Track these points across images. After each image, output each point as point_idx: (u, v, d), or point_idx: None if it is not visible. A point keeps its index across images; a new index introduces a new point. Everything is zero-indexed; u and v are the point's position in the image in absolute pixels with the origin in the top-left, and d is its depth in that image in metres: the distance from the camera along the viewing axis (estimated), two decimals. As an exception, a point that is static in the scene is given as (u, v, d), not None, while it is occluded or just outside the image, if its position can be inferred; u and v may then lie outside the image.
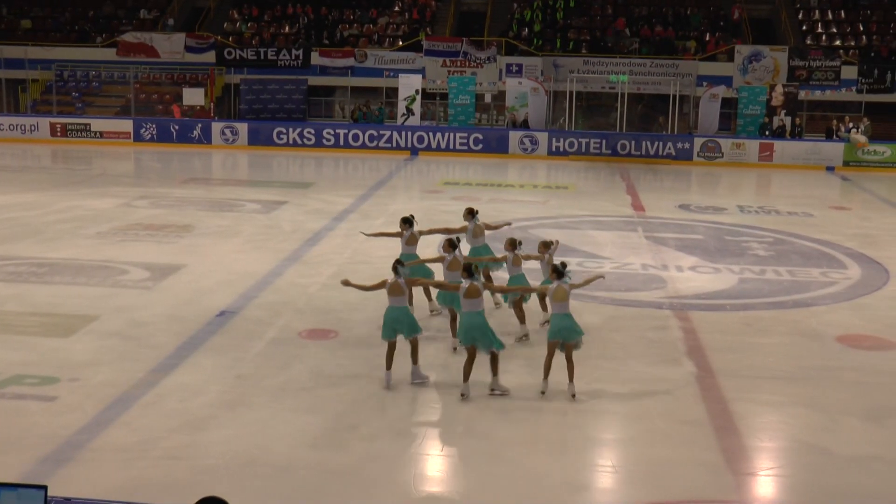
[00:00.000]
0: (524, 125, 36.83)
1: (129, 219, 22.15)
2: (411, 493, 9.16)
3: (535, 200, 26.62)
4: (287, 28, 41.71)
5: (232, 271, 17.44)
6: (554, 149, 35.68)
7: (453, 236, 14.34)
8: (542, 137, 35.86)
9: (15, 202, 24.10)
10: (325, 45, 40.53)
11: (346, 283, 12.29)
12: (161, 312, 14.75)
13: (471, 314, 11.43)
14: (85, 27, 42.60)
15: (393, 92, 38.15)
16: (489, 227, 15.68)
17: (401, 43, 40.62)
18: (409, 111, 37.18)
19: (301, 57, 39.24)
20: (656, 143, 35.52)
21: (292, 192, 26.59)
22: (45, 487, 5.75)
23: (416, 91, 37.13)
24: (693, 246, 20.71)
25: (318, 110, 40.13)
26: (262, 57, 39.40)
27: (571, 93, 36.94)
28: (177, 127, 36.70)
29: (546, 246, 14.25)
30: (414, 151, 35.91)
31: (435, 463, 10.02)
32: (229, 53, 39.62)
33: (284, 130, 36.45)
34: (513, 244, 13.98)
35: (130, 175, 32.08)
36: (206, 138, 36.38)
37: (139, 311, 14.82)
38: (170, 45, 40.05)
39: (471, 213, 15.35)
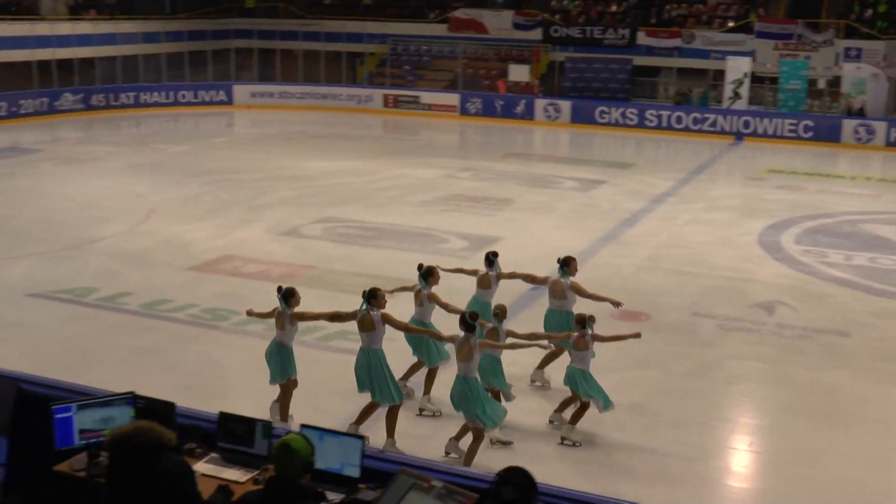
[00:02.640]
0: (860, 113, 34.60)
1: (451, 189, 23.04)
2: (712, 485, 9.01)
3: (866, 194, 24.98)
4: (614, 7, 41.53)
5: (547, 246, 17.71)
6: (893, 140, 33.28)
7: (534, 285, 11.92)
8: (880, 127, 33.53)
9: (348, 168, 25.73)
10: (651, 24, 39.98)
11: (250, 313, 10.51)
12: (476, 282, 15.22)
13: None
14: (419, 3, 44.53)
15: (719, 74, 37.05)
16: (583, 293, 11.30)
17: (731, 24, 39.32)
18: (736, 95, 35.97)
19: (627, 36, 38.95)
20: None
21: (611, 172, 26.56)
22: (363, 438, 6.18)
23: (745, 74, 35.85)
24: None
25: (641, 90, 39.70)
26: (588, 35, 39.48)
27: (918, 80, 34.28)
28: (501, 102, 37.62)
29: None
30: (738, 136, 34.74)
31: (740, 458, 9.78)
32: (555, 31, 40.02)
33: (607, 109, 36.41)
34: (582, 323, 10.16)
35: (455, 147, 33.28)
36: (529, 114, 37.04)
37: (456, 279, 15.37)
38: (498, 22, 41.04)
39: (561, 264, 11.50)
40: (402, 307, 10.78)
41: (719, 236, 19.11)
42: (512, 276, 11.78)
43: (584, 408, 9.81)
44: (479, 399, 9.00)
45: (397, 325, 9.59)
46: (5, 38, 33.85)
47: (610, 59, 38.68)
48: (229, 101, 39.15)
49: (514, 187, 23.70)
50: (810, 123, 34.33)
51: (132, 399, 6.45)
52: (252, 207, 20.52)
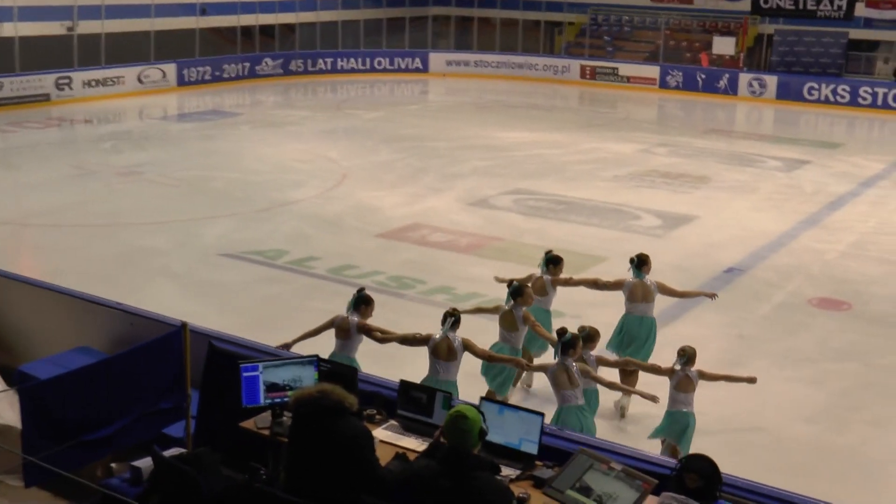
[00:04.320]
0: None
1: (646, 165, 22.66)
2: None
3: None
4: (832, -24, 39.69)
5: (745, 228, 17.21)
6: None
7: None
8: None
9: (542, 140, 25.67)
10: (873, -6, 38.04)
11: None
12: (668, 261, 14.96)
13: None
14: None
15: (946, 49, 34.89)
16: (673, 293, 10.47)
17: (963, -6, 36.91)
18: (964, 72, 33.79)
19: (844, 7, 37.10)
20: None
21: (818, 152, 25.47)
22: (542, 414, 6.18)
23: (975, 49, 33.65)
24: None
25: (856, 66, 37.81)
26: (801, 6, 37.81)
27: None
28: (703, 76, 36.63)
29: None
30: (964, 117, 32.65)
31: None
32: (766, 2, 38.53)
33: (816, 86, 34.88)
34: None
35: (653, 121, 32.68)
36: (732, 89, 35.93)
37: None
38: (707, -8, 39.96)
39: (635, 263, 10.34)
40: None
41: (936, 225, 18.07)
42: (569, 282, 10.46)
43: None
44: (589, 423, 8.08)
45: (479, 354, 8.40)
46: (213, 4, 35.41)
47: (823, 31, 36.98)
48: (424, 69, 39.71)
49: (712, 165, 23.09)
50: None
51: (316, 362, 6.67)
52: (443, 176, 20.78)
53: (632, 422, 9.56)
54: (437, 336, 8.25)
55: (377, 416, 6.53)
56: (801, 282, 14.40)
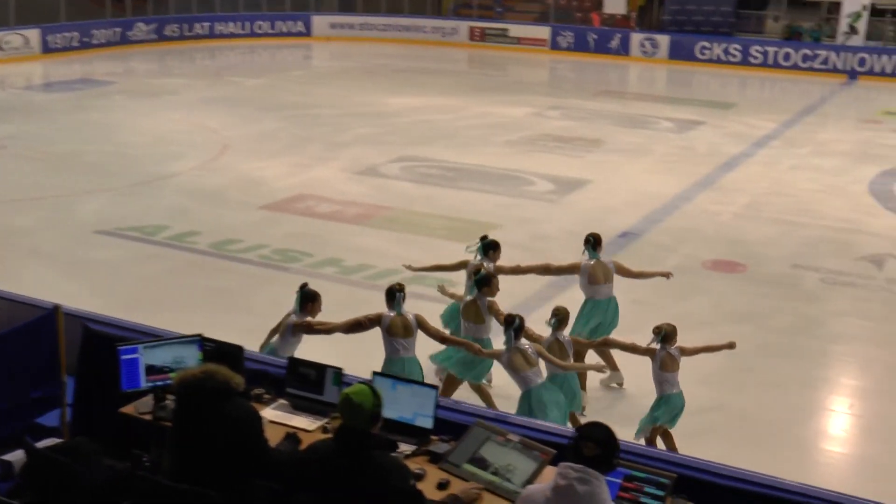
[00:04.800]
0: None
1: (538, 129, 22.89)
2: (808, 449, 8.90)
3: None
4: (722, -67, 40.51)
5: (639, 192, 17.55)
6: None
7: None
8: None
9: (431, 105, 25.69)
10: (762, -48, 38.97)
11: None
12: (562, 227, 15.19)
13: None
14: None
15: (834, 7, 35.97)
16: (629, 273, 10.14)
17: (850, -49, 38.08)
18: (852, 29, 34.91)
19: (734, -35, 38.04)
20: None
21: (711, 113, 26.08)
22: (436, 388, 6.24)
23: (863, 7, 34.75)
24: None
25: (747, 25, 38.74)
26: (692, -36, 38.63)
27: None
28: (595, 36, 37.10)
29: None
30: (852, 75, 33.76)
31: (840, 421, 9.63)
32: (657, -40, 39.25)
33: (709, 45, 35.66)
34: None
35: (544, 84, 32.99)
36: (624, 49, 36.48)
37: (541, 224, 15.39)
38: (595, -50, 40.38)
39: (591, 243, 9.97)
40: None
41: (827, 183, 18.69)
42: (517, 270, 9.94)
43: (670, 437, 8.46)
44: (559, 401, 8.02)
45: (432, 332, 8.23)
46: (78, -35, 34.41)
47: (714, -10, 37.78)
48: (308, 33, 39.31)
49: (606, 127, 23.44)
50: (934, 61, 33.19)
51: (200, 342, 6.59)
52: (329, 145, 20.65)
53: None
54: (390, 314, 8.12)
55: (265, 396, 6.48)
56: (695, 245, 14.75)
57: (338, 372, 6.45)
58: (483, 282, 8.83)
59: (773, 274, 13.49)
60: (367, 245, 13.97)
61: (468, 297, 8.94)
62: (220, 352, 6.37)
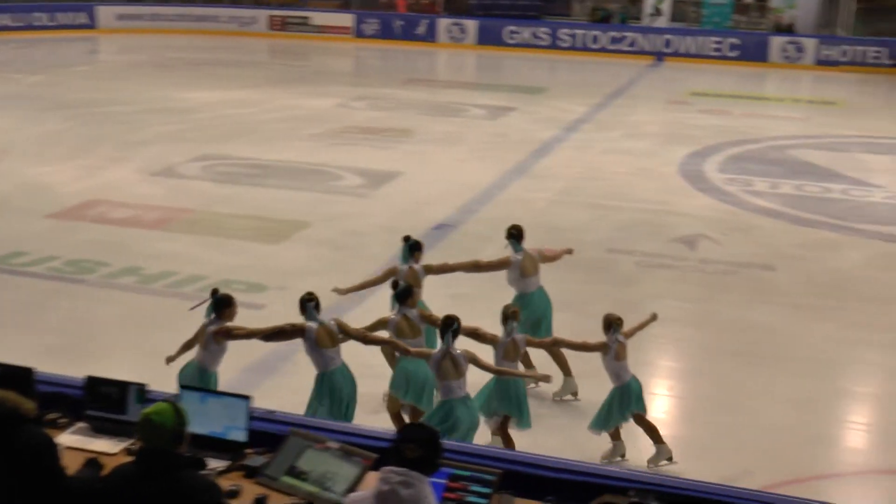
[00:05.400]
0: (789, 30, 35.26)
1: (345, 121, 22.87)
2: (629, 434, 9.18)
3: (795, 117, 25.63)
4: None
5: (453, 181, 17.77)
6: (822, 58, 34.04)
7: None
8: (810, 44, 34.26)
9: (231, 99, 25.32)
10: (565, -67, 40.04)
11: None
12: (375, 222, 15.24)
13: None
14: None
15: (639, -12, 37.37)
16: (549, 258, 10.48)
17: (651, -68, 39.58)
18: (657, 11, 36.32)
19: (537, -53, 38.95)
20: (949, 54, 33.26)
21: (522, 98, 26.65)
22: (248, 398, 6.15)
23: (666, -13, 36.21)
24: None
25: (554, 8, 39.80)
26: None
27: (849, -8, 35.09)
28: (401, 22, 37.33)
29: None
30: (659, 56, 35.13)
31: (660, 404, 10.00)
32: (460, -58, 39.79)
33: (517, 29, 36.41)
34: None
35: (349, 73, 33.00)
36: (431, 36, 36.84)
37: (353, 220, 15.40)
38: (396, -67, 40.63)
39: (515, 237, 10.22)
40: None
41: (638, 166, 19.39)
42: (445, 269, 9.98)
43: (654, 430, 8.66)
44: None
45: (354, 334, 8.09)
46: None
47: (519, -28, 38.60)
48: (92, 25, 38.08)
49: (415, 117, 23.63)
50: (736, 41, 34.89)
51: (-17, 366, 6.30)
52: (121, 145, 20.08)
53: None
54: (313, 325, 7.87)
55: (61, 420, 6.25)
56: (512, 234, 15.02)
57: (141, 389, 6.28)
58: (405, 294, 8.61)
59: (590, 259, 13.87)
60: (168, 251, 13.66)
61: (395, 316, 8.57)
62: (7, 376, 6.10)
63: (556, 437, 8.88)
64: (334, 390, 7.89)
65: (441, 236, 14.72)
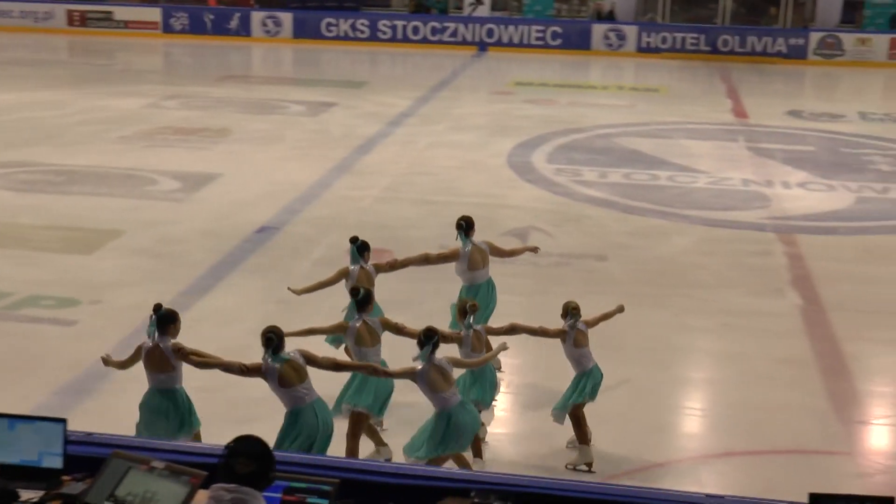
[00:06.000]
0: (610, 17, 36.26)
1: (157, 121, 22.40)
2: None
3: (620, 104, 26.36)
4: None
5: (274, 182, 17.61)
6: (644, 45, 35.12)
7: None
8: (631, 32, 35.29)
9: (29, 101, 24.45)
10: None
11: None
12: (194, 227, 14.98)
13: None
14: None
15: (459, -23, 37.78)
16: (501, 253, 10.88)
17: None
18: (478, 0, 36.80)
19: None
20: (764, 39, 34.75)
21: (343, 93, 26.60)
22: (63, 421, 5.95)
23: (486, -24, 36.74)
24: (803, 159, 20.42)
25: (372, -1, 39.93)
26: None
27: (666, -22, 36.30)
28: (212, 16, 36.75)
29: None
30: (482, 47, 35.59)
31: (498, 399, 10.12)
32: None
33: (335, 21, 36.30)
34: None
35: (159, 71, 32.33)
36: (245, 30, 36.40)
37: (169, 226, 15.09)
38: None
39: (464, 228, 10.57)
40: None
41: (466, 159, 19.61)
42: (395, 265, 10.34)
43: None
44: None
45: (322, 364, 7.88)
46: None
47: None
48: None
49: (232, 115, 23.33)
50: (558, 30, 35.62)
51: None
52: None
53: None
54: (275, 364, 7.53)
55: None
56: (339, 233, 14.92)
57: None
58: (367, 300, 8.61)
59: (421, 257, 13.95)
60: (-34, 268, 13.10)
61: (356, 322, 8.55)
62: None
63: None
64: (304, 428, 7.60)
65: (264, 239, 14.59)
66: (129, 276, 12.99)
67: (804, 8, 37.32)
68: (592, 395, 8.90)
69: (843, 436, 9.59)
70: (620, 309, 9.40)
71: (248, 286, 12.74)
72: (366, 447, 8.57)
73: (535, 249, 11.00)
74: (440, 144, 20.92)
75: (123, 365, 8.11)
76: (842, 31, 34.81)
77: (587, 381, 8.85)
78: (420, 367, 7.86)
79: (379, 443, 8.74)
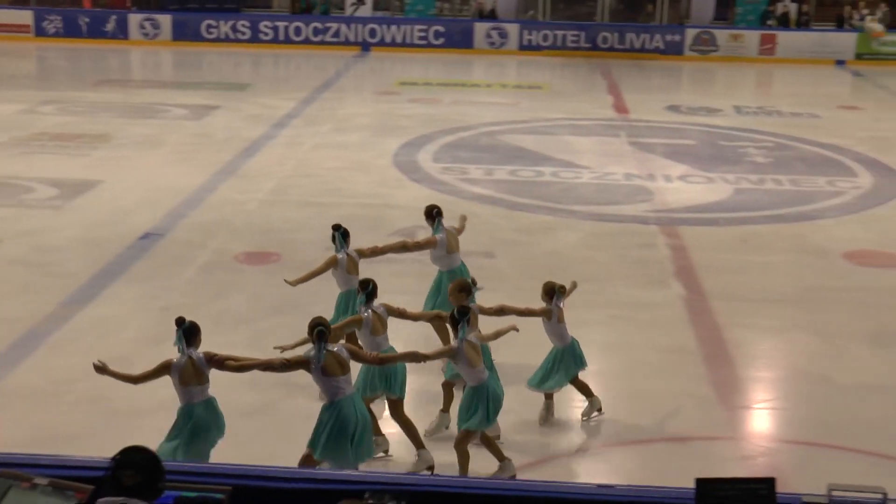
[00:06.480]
0: (492, 16, 36.52)
1: (32, 127, 21.87)
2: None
3: (504, 102, 26.58)
4: None
5: (156, 187, 17.33)
6: (525, 43, 35.46)
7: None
8: (513, 30, 35.61)
9: None
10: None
11: None
12: (73, 236, 14.67)
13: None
14: None
15: (340, -23, 37.66)
16: (459, 231, 11.36)
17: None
18: (360, 0, 36.73)
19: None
20: (642, 36, 35.39)
21: (226, 95, 26.32)
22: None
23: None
24: (683, 152, 20.84)
25: (254, 0, 39.52)
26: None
27: (546, -23, 36.70)
28: (87, 19, 36.01)
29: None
30: (365, 47, 35.54)
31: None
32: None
33: (215, 23, 35.87)
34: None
35: (32, 76, 31.58)
36: (122, 33, 35.75)
37: (47, 235, 14.74)
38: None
39: (434, 215, 10.97)
40: None
41: (352, 160, 19.56)
42: (376, 251, 10.60)
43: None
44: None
45: (366, 359, 8.18)
46: None
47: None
48: None
49: (111, 120, 22.89)
50: (441, 29, 35.75)
51: None
52: None
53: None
54: (311, 354, 7.58)
55: None
56: (225, 238, 14.84)
57: None
58: (376, 291, 8.86)
59: (308, 260, 13.77)
60: None
61: (367, 313, 8.71)
62: None
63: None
64: (340, 420, 7.66)
65: (148, 246, 14.35)
66: (5, 287, 12.65)
67: (679, 5, 38.10)
68: (581, 364, 9.58)
69: (726, 421, 9.83)
70: (574, 285, 9.87)
71: (131, 294, 12.50)
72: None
73: (463, 218, 11.53)
74: (325, 146, 20.83)
75: (138, 379, 7.74)
76: (716, 28, 35.64)
77: (572, 356, 9.48)
78: (456, 345, 8.24)
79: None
